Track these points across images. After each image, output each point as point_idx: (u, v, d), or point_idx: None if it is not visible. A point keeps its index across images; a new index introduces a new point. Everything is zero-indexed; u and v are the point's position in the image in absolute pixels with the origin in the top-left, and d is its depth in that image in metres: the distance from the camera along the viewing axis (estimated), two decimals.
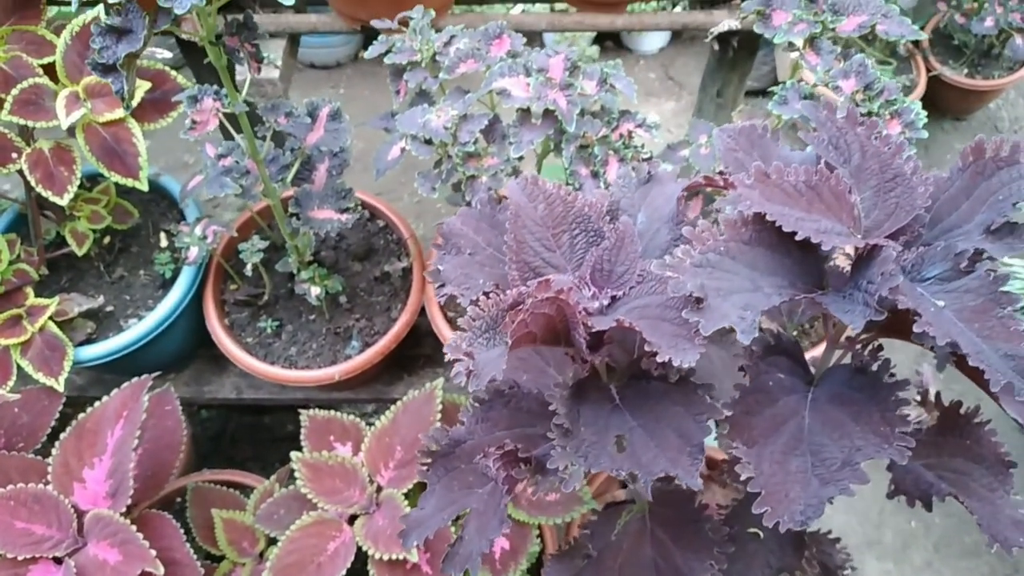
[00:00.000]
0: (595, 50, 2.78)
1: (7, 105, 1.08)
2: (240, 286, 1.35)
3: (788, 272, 0.65)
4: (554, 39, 2.71)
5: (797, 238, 0.61)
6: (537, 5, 2.51)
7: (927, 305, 0.58)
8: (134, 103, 1.14)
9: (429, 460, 0.81)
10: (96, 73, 0.83)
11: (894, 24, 1.05)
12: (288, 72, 1.51)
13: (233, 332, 1.34)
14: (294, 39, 1.50)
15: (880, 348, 0.70)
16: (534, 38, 2.77)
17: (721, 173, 0.77)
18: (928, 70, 2.51)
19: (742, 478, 0.62)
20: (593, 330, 0.64)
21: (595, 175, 0.95)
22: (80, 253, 1.29)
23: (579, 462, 0.66)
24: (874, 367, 0.67)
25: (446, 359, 0.68)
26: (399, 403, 1.22)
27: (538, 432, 0.80)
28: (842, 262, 0.72)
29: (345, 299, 1.36)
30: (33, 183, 1.12)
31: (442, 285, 0.80)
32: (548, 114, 0.95)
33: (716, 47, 1.63)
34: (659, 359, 0.60)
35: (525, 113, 0.96)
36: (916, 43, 2.57)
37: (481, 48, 1.05)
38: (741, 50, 1.54)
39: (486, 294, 0.74)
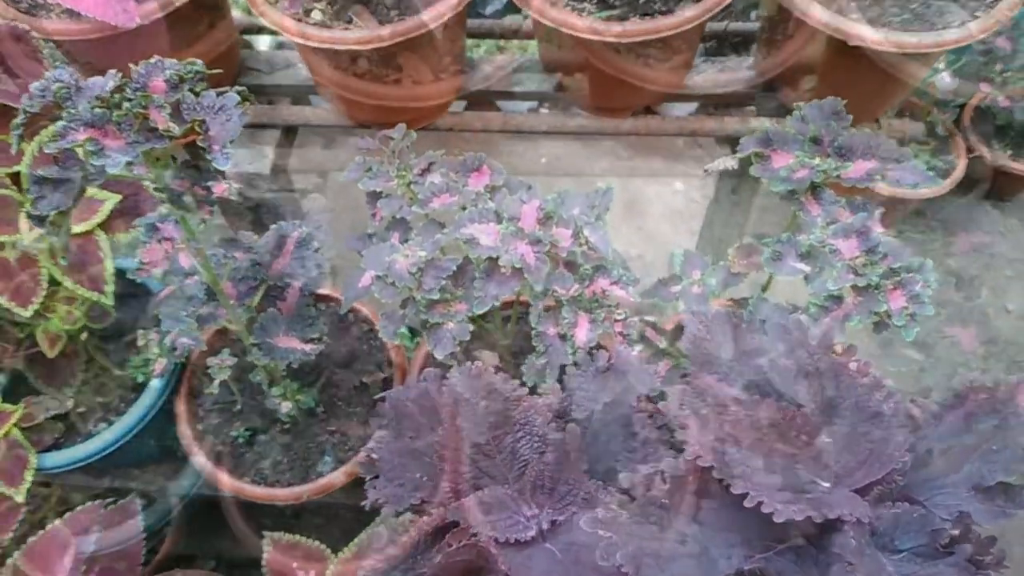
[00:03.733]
0: None
1: None
2: (214, 392, 1.30)
3: (743, 527, 0.57)
4: None
5: (746, 504, 0.53)
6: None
7: None
8: (103, 215, 1.10)
9: None
10: (33, 223, 0.79)
11: (907, 172, 0.96)
12: (282, 164, 1.46)
13: (204, 440, 1.28)
14: (289, 131, 1.46)
15: None
16: None
17: (684, 375, 0.69)
18: (969, 151, 2.39)
19: None
20: None
21: (563, 338, 0.88)
22: (51, 355, 1.25)
23: None
24: None
25: None
26: (364, 535, 1.16)
27: None
28: None
29: (322, 409, 1.31)
30: None
31: (375, 478, 0.74)
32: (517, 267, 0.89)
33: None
34: None
35: (494, 263, 0.89)
36: (957, 122, 2.45)
37: (458, 181, 0.99)
38: None
39: (409, 509, 0.67)
